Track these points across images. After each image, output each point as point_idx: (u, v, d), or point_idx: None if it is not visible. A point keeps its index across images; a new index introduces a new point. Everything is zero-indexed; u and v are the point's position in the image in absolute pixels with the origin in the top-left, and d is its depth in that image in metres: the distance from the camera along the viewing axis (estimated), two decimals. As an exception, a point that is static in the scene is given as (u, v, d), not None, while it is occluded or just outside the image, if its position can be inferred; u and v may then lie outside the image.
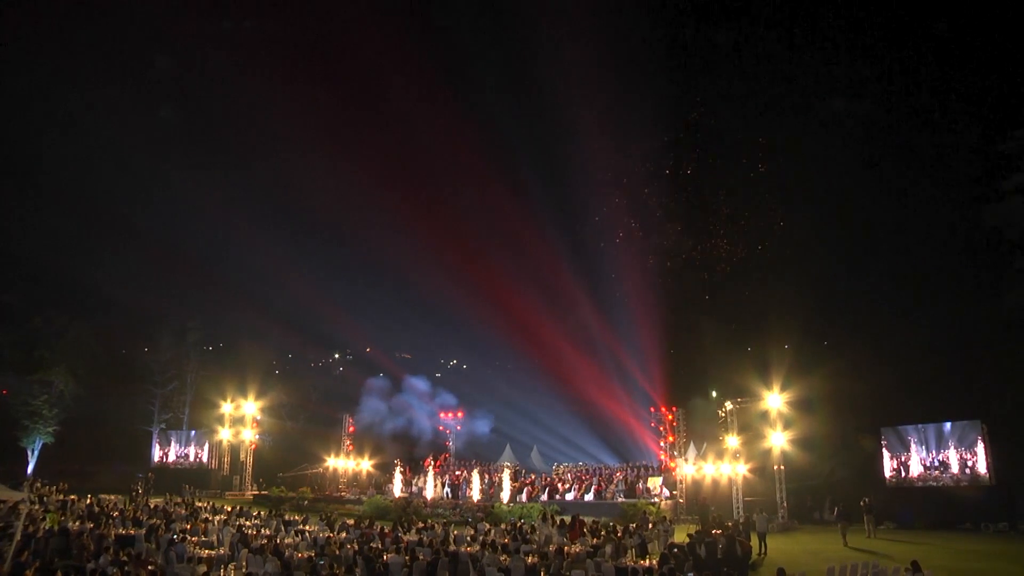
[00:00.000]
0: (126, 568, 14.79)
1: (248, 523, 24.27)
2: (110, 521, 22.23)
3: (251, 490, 40.97)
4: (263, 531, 22.27)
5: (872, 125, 45.73)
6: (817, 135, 46.94)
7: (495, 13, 54.94)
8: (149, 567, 15.51)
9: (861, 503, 26.70)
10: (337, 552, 18.04)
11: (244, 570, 16.60)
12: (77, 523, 21.63)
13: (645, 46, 48.90)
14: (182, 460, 46.35)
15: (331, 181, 54.41)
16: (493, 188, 50.63)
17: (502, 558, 17.67)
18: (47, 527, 20.17)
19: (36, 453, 47.33)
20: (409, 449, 43.18)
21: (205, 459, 44.76)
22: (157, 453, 48.03)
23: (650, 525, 22.99)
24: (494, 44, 55.71)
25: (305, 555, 18.00)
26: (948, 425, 29.73)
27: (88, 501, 28.07)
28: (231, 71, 56.30)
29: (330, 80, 58.97)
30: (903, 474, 30.59)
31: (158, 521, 23.13)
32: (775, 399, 31.37)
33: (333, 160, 55.77)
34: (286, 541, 20.24)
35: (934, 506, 28.44)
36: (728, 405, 32.52)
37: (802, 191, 44.98)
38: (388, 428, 43.42)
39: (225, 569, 16.58)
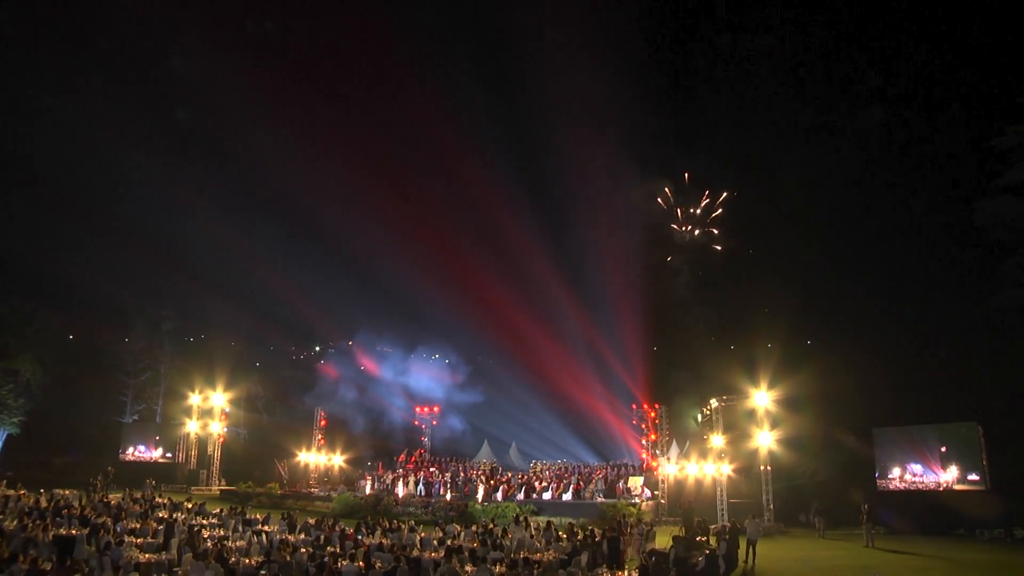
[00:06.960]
0: (45, 578, 13.37)
1: (205, 522, 22.81)
2: (51, 520, 20.56)
3: (218, 485, 39.52)
4: (216, 532, 20.80)
5: (863, 123, 44.96)
6: (808, 134, 46.22)
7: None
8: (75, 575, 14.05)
9: (861, 514, 25.04)
10: (288, 559, 16.63)
11: (183, 578, 15.14)
12: (14, 522, 20.06)
13: (628, 31, 47.88)
14: (147, 453, 44.62)
15: (316, 176, 52.50)
16: (473, 180, 49.06)
17: (467, 568, 16.29)
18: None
19: (1, 445, 45.58)
20: (383, 444, 41.91)
21: (171, 452, 43.08)
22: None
23: (629, 529, 21.69)
24: (471, 30, 54.44)
25: (254, 561, 16.56)
26: (942, 427, 28.70)
27: (38, 497, 26.31)
28: (206, 63, 54.42)
29: (306, 71, 56.98)
30: (894, 477, 29.49)
31: (106, 519, 21.63)
32: (762, 397, 30.18)
33: (318, 154, 53.95)
34: (238, 544, 18.81)
35: (926, 511, 27.23)
36: (713, 403, 31.37)
37: (791, 188, 44.09)
38: (361, 423, 42.14)
39: (160, 577, 15.16)
